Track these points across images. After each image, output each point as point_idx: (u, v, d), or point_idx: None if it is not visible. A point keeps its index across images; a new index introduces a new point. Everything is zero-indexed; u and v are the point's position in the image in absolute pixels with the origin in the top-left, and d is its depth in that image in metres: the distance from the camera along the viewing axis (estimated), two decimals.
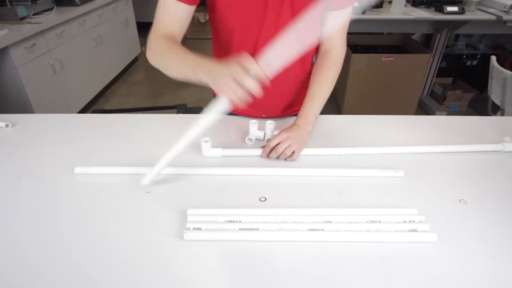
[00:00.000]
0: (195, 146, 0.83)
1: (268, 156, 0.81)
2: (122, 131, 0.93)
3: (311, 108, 0.84)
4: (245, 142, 0.87)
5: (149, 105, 3.03)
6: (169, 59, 0.72)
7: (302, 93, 0.96)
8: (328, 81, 0.87)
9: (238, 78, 0.58)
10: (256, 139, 0.88)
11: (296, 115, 0.87)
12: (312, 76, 0.88)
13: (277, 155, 0.80)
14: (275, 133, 0.82)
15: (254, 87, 0.58)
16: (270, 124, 0.87)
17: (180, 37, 0.79)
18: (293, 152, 0.79)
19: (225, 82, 0.59)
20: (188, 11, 0.77)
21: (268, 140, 0.82)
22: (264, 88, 0.73)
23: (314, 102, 0.85)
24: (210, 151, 0.82)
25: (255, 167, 0.78)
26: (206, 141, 0.81)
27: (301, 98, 0.94)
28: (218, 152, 0.82)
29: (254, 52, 0.83)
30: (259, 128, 0.88)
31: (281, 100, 0.98)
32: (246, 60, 0.59)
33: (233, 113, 0.99)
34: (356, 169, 0.77)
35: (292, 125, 0.83)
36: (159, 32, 0.76)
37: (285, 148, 0.78)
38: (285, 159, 0.80)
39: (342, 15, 0.82)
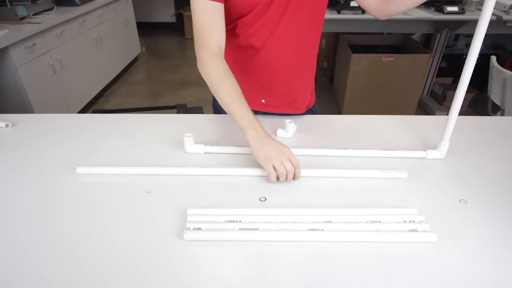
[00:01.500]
0: (179, 143, 0.84)
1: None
2: (122, 131, 0.93)
3: None
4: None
5: (149, 105, 3.03)
6: (223, 96, 0.77)
7: (306, 84, 0.99)
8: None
9: (289, 167, 0.71)
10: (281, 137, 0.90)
11: (299, 114, 0.93)
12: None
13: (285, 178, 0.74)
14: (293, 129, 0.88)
15: (291, 175, 0.71)
16: (289, 122, 0.89)
17: (224, 42, 0.82)
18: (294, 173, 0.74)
19: (274, 162, 0.71)
20: (222, 9, 0.79)
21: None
22: (268, 69, 0.89)
23: None
24: (192, 147, 0.82)
25: (255, 167, 0.78)
26: (189, 136, 0.81)
27: (304, 92, 0.98)
28: (200, 148, 0.82)
29: (268, 37, 0.86)
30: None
31: (284, 86, 0.96)
32: (289, 154, 0.72)
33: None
34: (359, 169, 0.76)
35: None
36: (213, 48, 0.79)
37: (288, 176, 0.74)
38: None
39: None
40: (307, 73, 0.98)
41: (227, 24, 0.84)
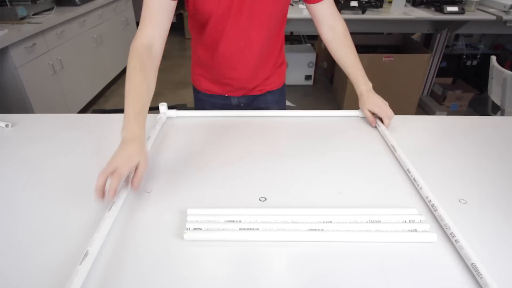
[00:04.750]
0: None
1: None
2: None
3: (361, 73, 0.98)
4: None
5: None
6: (127, 86, 0.74)
7: (263, 70, 1.06)
8: (353, 48, 0.99)
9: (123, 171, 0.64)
10: None
11: (259, 95, 1.08)
12: (337, 52, 0.99)
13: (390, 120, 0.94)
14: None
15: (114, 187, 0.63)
16: None
17: (159, 41, 0.81)
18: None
19: (113, 163, 0.65)
20: (170, 7, 0.81)
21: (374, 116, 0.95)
22: (226, 60, 0.98)
23: (359, 67, 0.98)
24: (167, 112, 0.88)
25: (255, 167, 0.78)
26: (163, 104, 0.93)
27: (262, 77, 1.07)
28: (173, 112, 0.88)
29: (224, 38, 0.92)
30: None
31: (243, 75, 1.03)
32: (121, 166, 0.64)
33: (198, 90, 1.14)
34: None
35: (365, 93, 0.97)
36: (140, 42, 0.78)
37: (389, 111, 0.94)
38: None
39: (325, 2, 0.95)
40: (265, 65, 1.04)
41: (195, 25, 0.93)
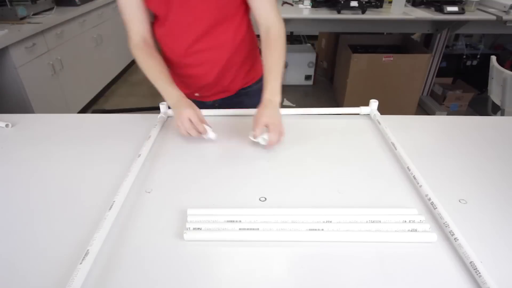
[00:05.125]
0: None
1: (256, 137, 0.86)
2: (122, 131, 0.93)
3: (273, 78, 0.88)
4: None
5: (149, 105, 3.03)
6: (148, 75, 0.91)
7: (235, 73, 1.04)
8: (278, 52, 0.91)
9: (187, 126, 0.85)
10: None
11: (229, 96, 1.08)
12: (263, 54, 0.93)
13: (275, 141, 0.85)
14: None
15: (194, 133, 0.85)
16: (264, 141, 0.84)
17: (146, 30, 0.94)
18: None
19: (179, 122, 0.85)
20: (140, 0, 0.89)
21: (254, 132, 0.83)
22: (192, 72, 1.03)
23: (273, 73, 0.89)
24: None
25: (255, 167, 0.78)
26: (164, 104, 0.96)
27: (234, 79, 1.05)
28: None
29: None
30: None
31: (211, 82, 1.03)
32: (189, 115, 0.84)
33: None
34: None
35: (263, 101, 0.86)
36: (135, 40, 0.93)
37: (274, 132, 0.82)
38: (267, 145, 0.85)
39: None
40: (232, 66, 1.02)
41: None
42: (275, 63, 0.90)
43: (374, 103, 1.01)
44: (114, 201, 0.64)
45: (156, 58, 0.92)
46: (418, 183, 0.72)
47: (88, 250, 0.54)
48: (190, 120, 0.84)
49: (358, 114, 1.02)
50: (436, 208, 0.64)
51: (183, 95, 0.89)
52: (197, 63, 0.99)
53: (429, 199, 0.67)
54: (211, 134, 0.87)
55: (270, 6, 0.91)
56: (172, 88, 0.89)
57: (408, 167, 0.76)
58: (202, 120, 0.86)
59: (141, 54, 0.92)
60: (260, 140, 0.84)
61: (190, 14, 0.90)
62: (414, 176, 0.73)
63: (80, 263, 0.52)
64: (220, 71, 1.01)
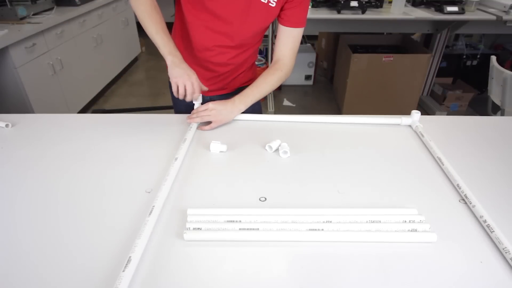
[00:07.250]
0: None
1: (191, 119, 0.94)
2: (122, 131, 0.93)
3: (252, 92, 0.97)
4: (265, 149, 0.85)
5: (149, 105, 3.03)
6: (148, 27, 0.88)
7: (238, 76, 1.09)
8: (272, 79, 1.00)
9: (189, 89, 0.89)
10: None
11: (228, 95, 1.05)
12: (261, 74, 1.01)
13: (200, 120, 0.94)
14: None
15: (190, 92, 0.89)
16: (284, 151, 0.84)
17: None
18: (211, 122, 0.93)
19: (177, 81, 0.88)
20: None
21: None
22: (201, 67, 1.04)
23: (256, 88, 0.98)
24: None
25: (255, 167, 0.78)
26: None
27: (234, 81, 1.09)
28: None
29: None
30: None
31: (216, 83, 1.08)
32: (193, 78, 0.89)
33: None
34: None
35: (229, 99, 0.95)
36: None
37: (205, 115, 0.92)
38: (200, 128, 0.93)
39: (291, 32, 0.96)
40: (237, 68, 1.07)
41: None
42: (263, 84, 0.98)
43: (416, 114, 0.96)
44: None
45: (159, 14, 0.90)
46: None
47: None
48: (192, 85, 0.87)
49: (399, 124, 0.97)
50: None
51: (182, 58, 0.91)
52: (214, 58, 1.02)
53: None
54: (197, 103, 0.96)
55: (290, 50, 0.99)
56: (175, 47, 0.89)
57: (458, 185, 0.72)
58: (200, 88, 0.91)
59: (145, 5, 0.88)
60: (281, 153, 0.83)
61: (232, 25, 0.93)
62: (465, 196, 0.68)
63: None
64: (229, 71, 1.06)
